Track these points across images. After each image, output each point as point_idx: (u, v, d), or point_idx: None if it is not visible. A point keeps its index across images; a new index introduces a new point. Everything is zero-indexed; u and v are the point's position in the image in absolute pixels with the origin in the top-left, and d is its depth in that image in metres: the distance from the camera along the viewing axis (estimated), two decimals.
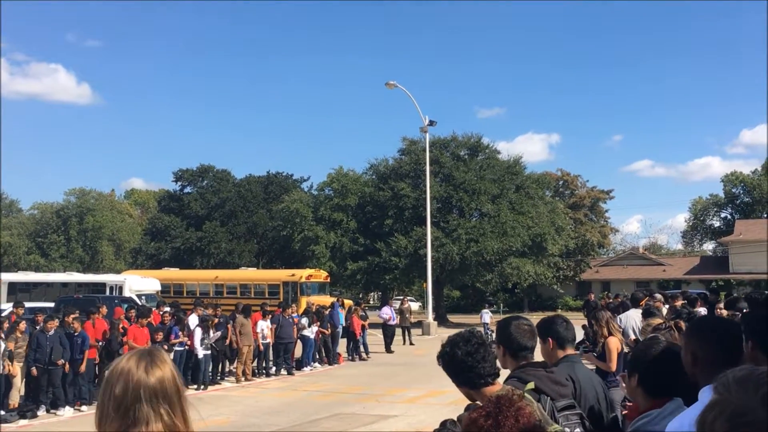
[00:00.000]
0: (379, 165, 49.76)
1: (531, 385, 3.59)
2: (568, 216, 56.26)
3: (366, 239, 45.97)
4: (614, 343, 8.22)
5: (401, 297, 47.77)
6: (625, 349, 8.33)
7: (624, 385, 4.77)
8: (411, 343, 30.03)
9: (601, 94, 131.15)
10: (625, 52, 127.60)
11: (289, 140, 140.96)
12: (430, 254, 38.31)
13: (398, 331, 29.87)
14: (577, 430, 3.58)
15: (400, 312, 31.57)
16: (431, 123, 38.58)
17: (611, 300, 25.11)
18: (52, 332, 14.88)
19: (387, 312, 28.83)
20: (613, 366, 7.96)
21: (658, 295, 15.79)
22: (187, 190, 69.21)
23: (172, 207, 67.68)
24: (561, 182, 69.21)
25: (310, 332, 22.58)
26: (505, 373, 3.92)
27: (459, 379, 3.48)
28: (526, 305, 61.60)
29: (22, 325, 14.98)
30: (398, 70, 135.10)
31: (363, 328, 25.90)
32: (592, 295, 34.20)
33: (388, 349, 27.55)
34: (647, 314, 8.28)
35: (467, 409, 6.81)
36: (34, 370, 14.52)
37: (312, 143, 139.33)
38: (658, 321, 7.28)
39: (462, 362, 3.42)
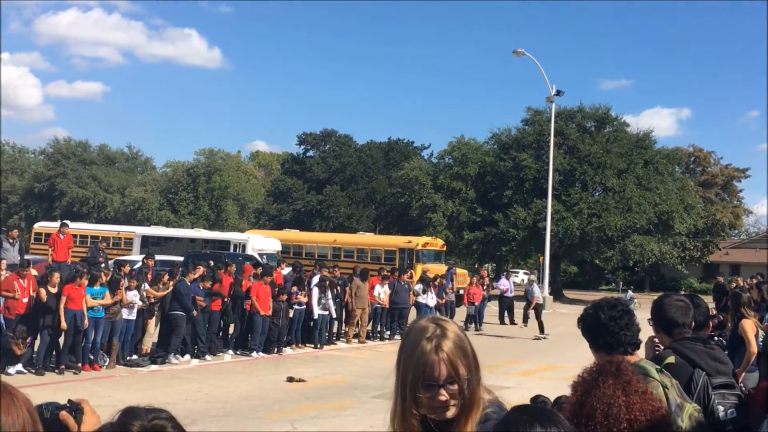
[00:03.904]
0: (501, 135, 49.08)
1: (671, 359, 3.49)
2: (698, 194, 53.72)
3: (484, 209, 45.58)
4: (749, 325, 7.77)
5: (516, 270, 47.34)
6: (761, 334, 7.86)
7: None
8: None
9: (736, 68, 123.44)
10: (761, 25, 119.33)
11: (411, 107, 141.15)
12: (550, 228, 37.56)
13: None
14: (731, 410, 3.43)
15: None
16: (558, 93, 37.53)
17: (743, 284, 23.82)
18: (191, 283, 15.67)
19: (504, 284, 28.34)
20: (753, 347, 7.48)
21: None
22: (310, 153, 70.62)
23: (294, 170, 69.33)
24: (692, 158, 66.13)
25: (428, 300, 22.62)
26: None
27: (597, 344, 3.38)
28: (647, 285, 59.48)
29: (165, 277, 15.78)
30: (523, 39, 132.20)
31: (483, 298, 25.69)
32: (721, 278, 32.65)
33: (502, 321, 27.29)
34: None
35: None
36: (170, 318, 15.35)
37: (434, 111, 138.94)
38: None
39: (604, 326, 3.32)
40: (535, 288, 24.83)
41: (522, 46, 38.74)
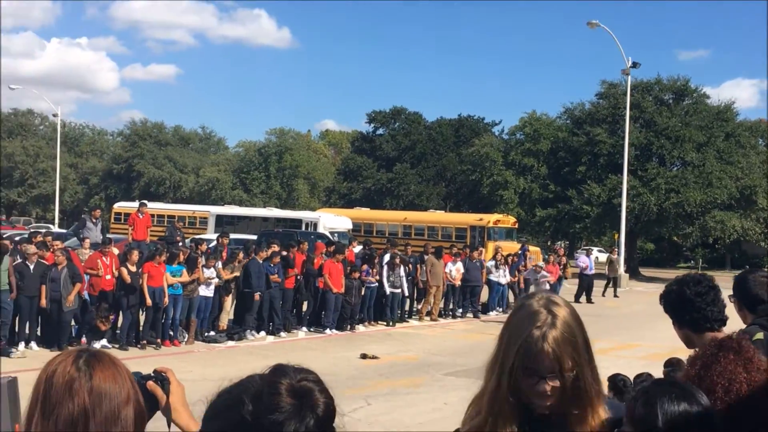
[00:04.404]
0: (575, 109, 47.98)
1: (760, 335, 3.40)
2: None
3: (557, 186, 44.85)
4: None
5: (590, 247, 46.47)
6: None
7: None
8: (615, 295, 29.40)
9: None
10: None
11: (481, 83, 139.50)
12: (625, 204, 36.73)
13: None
14: None
15: (610, 262, 30.72)
16: (634, 65, 36.46)
17: None
18: (263, 262, 15.94)
19: (584, 261, 27.60)
20: None
21: None
22: (380, 131, 70.67)
23: (364, 148, 69.53)
24: None
25: (500, 277, 22.45)
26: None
27: (682, 320, 3.29)
28: (728, 262, 57.58)
29: (240, 255, 16.10)
30: (597, 10, 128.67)
31: (559, 278, 25.19)
32: None
33: (578, 299, 26.81)
34: None
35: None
36: (244, 296, 15.68)
37: (505, 86, 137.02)
38: None
39: (690, 302, 3.23)
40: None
41: (596, 17, 37.67)
